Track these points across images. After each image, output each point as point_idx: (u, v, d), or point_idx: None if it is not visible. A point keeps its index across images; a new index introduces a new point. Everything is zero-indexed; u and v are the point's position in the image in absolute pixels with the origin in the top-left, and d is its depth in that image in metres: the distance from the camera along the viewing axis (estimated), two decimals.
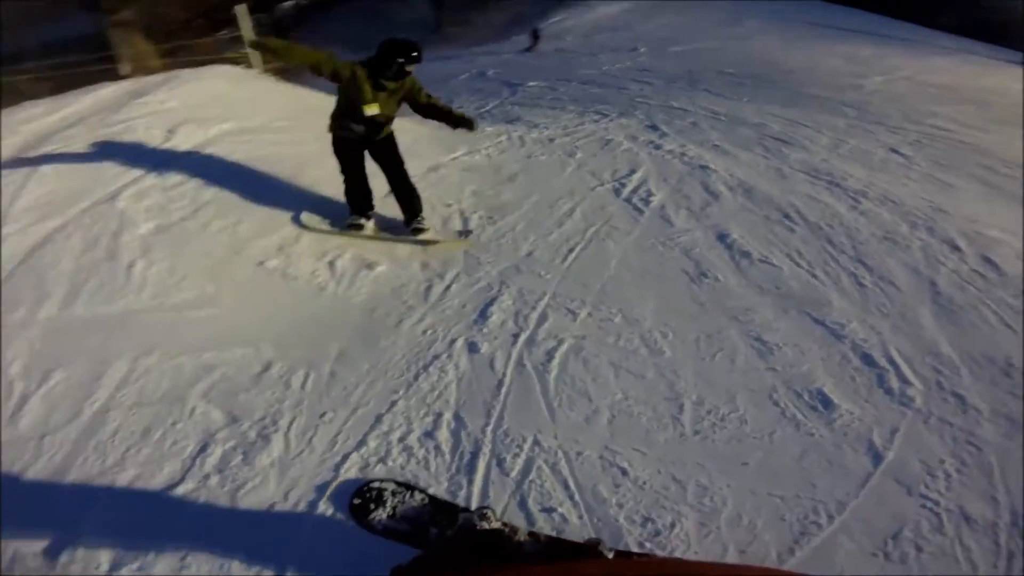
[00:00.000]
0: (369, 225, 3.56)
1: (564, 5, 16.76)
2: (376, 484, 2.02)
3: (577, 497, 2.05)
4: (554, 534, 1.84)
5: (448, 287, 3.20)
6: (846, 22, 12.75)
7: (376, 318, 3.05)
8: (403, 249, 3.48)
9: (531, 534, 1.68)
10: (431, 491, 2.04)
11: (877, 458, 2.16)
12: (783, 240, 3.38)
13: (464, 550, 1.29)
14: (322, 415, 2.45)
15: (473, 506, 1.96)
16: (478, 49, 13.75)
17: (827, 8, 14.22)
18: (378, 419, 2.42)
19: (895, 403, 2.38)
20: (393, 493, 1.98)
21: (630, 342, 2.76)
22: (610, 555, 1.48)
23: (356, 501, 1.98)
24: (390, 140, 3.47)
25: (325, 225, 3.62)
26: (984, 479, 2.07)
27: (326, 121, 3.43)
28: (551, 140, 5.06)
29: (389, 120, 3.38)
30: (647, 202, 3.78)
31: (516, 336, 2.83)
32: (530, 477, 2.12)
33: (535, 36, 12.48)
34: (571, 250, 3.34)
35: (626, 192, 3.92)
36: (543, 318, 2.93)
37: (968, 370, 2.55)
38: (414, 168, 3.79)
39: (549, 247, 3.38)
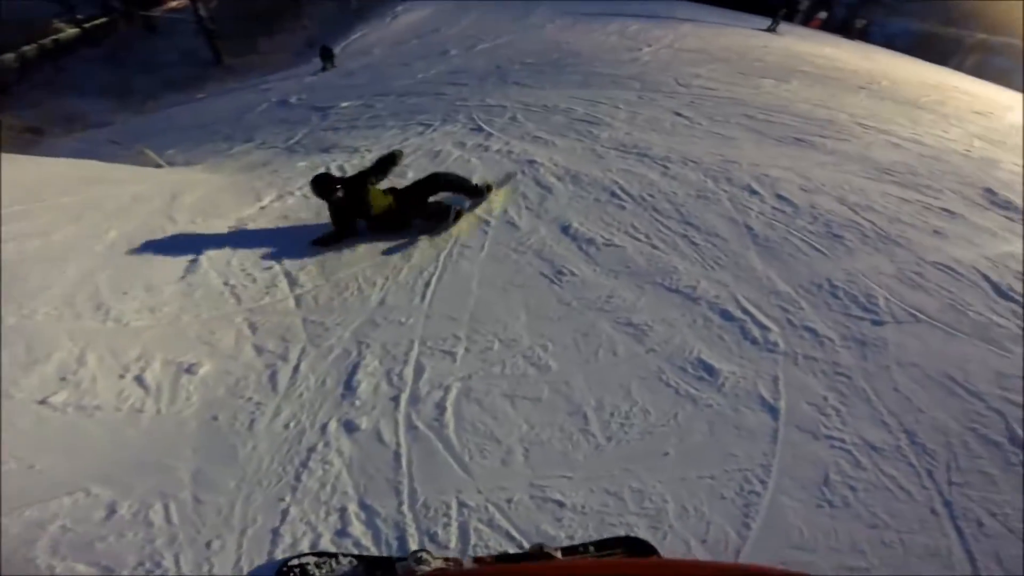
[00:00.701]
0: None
1: (364, 19, 15.85)
2: (295, 561, 1.73)
3: (525, 543, 1.82)
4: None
5: (296, 367, 2.65)
6: (612, 6, 14.11)
7: (222, 426, 2.42)
8: (226, 338, 2.84)
9: (476, 559, 1.59)
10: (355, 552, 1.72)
11: (773, 411, 2.24)
12: (617, 219, 3.48)
13: None
14: (208, 544, 1.87)
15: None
16: (273, 77, 12.40)
17: None
18: (276, 533, 1.91)
19: (764, 352, 2.51)
20: (317, 565, 1.70)
21: (516, 367, 2.56)
22: (558, 554, 1.47)
23: None
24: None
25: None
26: (866, 405, 2.23)
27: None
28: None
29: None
30: (488, 209, 3.62)
31: (396, 399, 2.43)
32: (471, 542, 1.83)
33: (327, 54, 11.30)
34: (427, 284, 3.02)
35: (467, 203, 3.70)
36: (420, 369, 2.57)
37: (805, 301, 2.83)
38: (216, 227, 3.12)
39: (402, 288, 3.01)
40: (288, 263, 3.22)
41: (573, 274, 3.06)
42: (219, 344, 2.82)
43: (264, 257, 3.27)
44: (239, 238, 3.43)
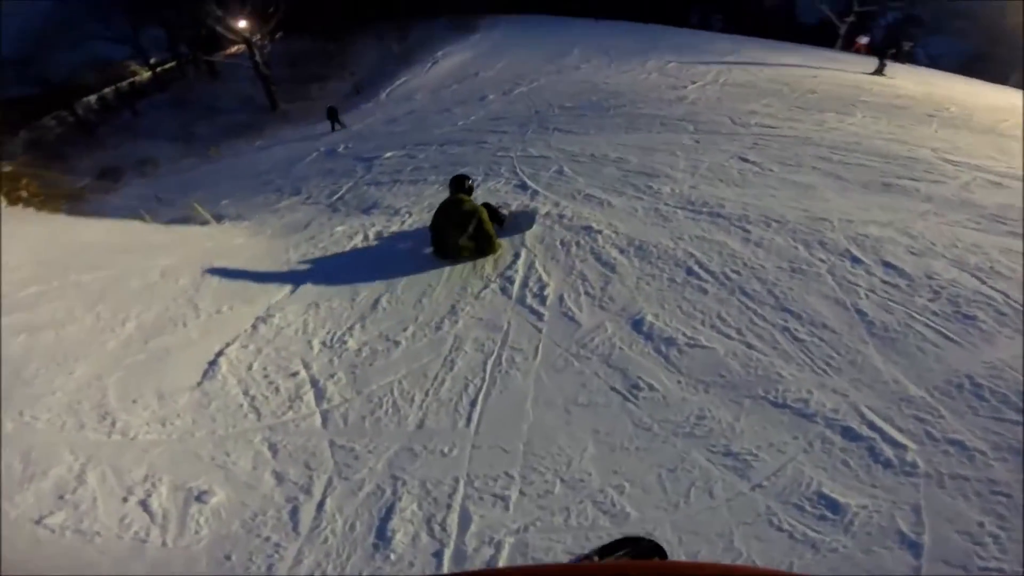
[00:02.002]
0: None
1: (406, 64, 15.82)
2: None
3: None
4: None
5: (321, 504, 2.05)
6: (641, 39, 13.44)
7: (235, 567, 1.84)
8: (243, 460, 2.25)
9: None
10: None
11: (915, 547, 1.61)
12: (700, 307, 2.71)
13: None
14: None
15: None
16: (323, 124, 12.38)
17: (623, 28, 15.02)
18: None
19: (901, 476, 1.87)
20: None
21: (583, 515, 1.84)
22: None
23: None
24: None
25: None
26: None
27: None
28: (415, 231, 4.02)
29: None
30: (542, 297, 2.91)
31: (438, 554, 1.78)
32: None
33: (333, 115, 10.74)
34: (473, 403, 2.32)
35: (516, 288, 3.01)
36: (466, 518, 1.90)
37: (945, 407, 2.07)
38: (243, 317, 2.58)
39: (444, 406, 2.33)
40: (316, 368, 2.61)
41: (652, 388, 2.31)
42: (235, 468, 2.26)
43: (290, 360, 2.68)
44: (265, 334, 2.86)
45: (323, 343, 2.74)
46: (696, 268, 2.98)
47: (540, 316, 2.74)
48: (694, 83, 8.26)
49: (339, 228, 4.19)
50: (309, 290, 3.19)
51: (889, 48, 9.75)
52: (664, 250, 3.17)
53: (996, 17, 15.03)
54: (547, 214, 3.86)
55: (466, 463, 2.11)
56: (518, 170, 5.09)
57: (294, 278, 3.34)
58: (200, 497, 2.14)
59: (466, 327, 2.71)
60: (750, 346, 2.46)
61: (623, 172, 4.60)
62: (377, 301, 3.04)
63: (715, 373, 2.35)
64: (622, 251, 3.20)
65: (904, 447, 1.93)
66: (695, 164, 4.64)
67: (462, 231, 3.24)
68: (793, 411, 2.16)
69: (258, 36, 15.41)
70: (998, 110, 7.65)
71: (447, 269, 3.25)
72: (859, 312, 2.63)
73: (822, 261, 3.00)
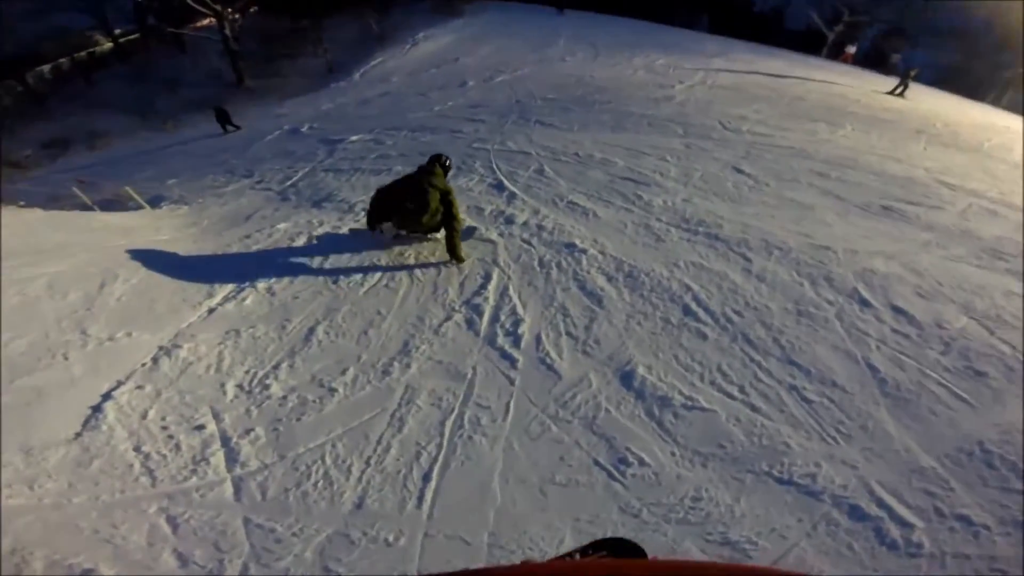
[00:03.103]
0: None
1: (383, 46, 14.77)
2: None
3: None
4: None
5: None
6: (628, 34, 12.92)
7: None
8: (135, 536, 1.71)
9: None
10: None
11: None
12: (699, 357, 2.27)
13: None
14: None
15: None
16: (290, 102, 11.33)
17: (610, 22, 14.44)
18: None
19: (904, 557, 1.68)
20: None
21: None
22: None
23: None
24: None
25: None
26: None
27: None
28: (367, 235, 3.40)
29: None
30: (516, 336, 2.40)
31: None
32: None
33: (222, 116, 9.34)
34: (427, 477, 1.82)
35: (484, 322, 2.49)
36: None
37: (955, 478, 1.87)
38: (141, 347, 2.03)
39: (390, 481, 1.82)
40: (229, 420, 2.04)
41: (643, 462, 1.87)
42: (125, 544, 1.76)
43: (196, 407, 2.11)
44: (168, 371, 2.26)
45: (240, 387, 2.17)
46: (694, 306, 2.54)
47: (513, 362, 2.24)
48: (682, 83, 7.83)
49: (282, 225, 3.57)
50: (229, 312, 2.58)
51: (914, 69, 9.18)
52: (658, 280, 2.72)
53: (976, 32, 15.20)
54: (525, 224, 3.35)
55: (416, 556, 1.64)
56: (494, 166, 4.56)
57: (214, 293, 2.73)
58: None
59: (421, 373, 2.19)
60: (755, 408, 2.06)
61: (610, 176, 4.13)
62: (312, 331, 2.47)
63: (715, 443, 1.93)
64: (610, 278, 2.73)
65: (911, 526, 1.72)
66: (687, 172, 4.21)
67: (423, 208, 2.83)
68: (799, 488, 1.84)
69: (230, 9, 14.16)
70: (982, 128, 7.58)
71: (400, 292, 2.70)
72: (871, 367, 2.31)
73: (830, 303, 2.63)
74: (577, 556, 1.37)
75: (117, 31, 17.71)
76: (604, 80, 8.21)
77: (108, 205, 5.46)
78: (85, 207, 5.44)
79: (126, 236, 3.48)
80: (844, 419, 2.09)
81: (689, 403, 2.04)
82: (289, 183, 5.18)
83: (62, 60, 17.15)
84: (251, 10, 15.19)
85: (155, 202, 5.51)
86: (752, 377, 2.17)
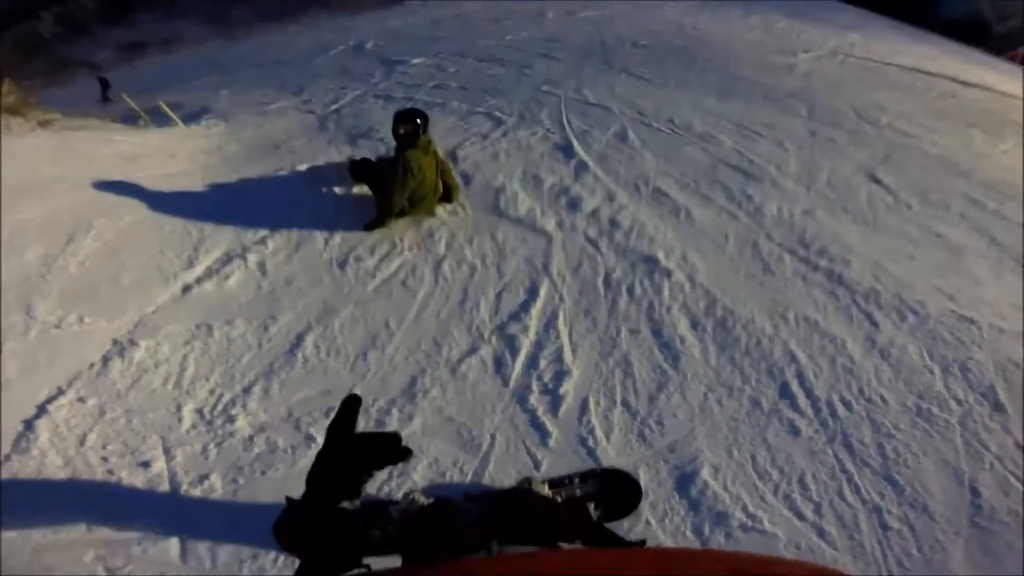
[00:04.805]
0: None
1: None
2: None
3: None
4: None
5: None
6: None
7: None
8: None
9: (465, 495, 1.16)
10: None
11: None
12: (781, 461, 1.52)
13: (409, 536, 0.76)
14: None
15: None
16: (363, 16, 10.23)
17: None
18: None
19: None
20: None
21: None
22: (544, 487, 1.20)
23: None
24: None
25: None
26: None
27: None
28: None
29: None
30: (556, 396, 1.67)
31: None
32: None
33: (104, 84, 8.47)
34: None
35: (519, 365, 1.76)
36: None
37: None
38: (94, 336, 1.53)
39: None
40: (181, 458, 1.49)
41: None
42: None
43: (145, 435, 1.56)
44: (118, 378, 1.70)
45: (200, 412, 1.61)
46: (795, 386, 1.74)
47: (544, 436, 1.56)
48: (807, 52, 6.27)
49: (304, 167, 2.89)
50: (207, 295, 1.97)
51: None
52: (757, 338, 1.88)
53: None
54: (593, 213, 2.52)
55: None
56: (565, 120, 3.64)
57: (196, 261, 2.11)
58: None
59: (425, 431, 1.56)
60: (822, 533, 1.39)
61: (712, 159, 3.16)
62: (300, 340, 1.86)
63: None
64: (695, 324, 1.91)
65: None
66: (811, 171, 3.17)
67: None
68: None
69: None
70: None
71: (419, 296, 2.01)
72: (972, 491, 1.54)
73: (958, 403, 1.77)
74: (576, 480, 1.35)
75: None
76: (711, 34, 6.74)
77: (133, 119, 4.94)
78: (128, 118, 4.98)
79: (131, 165, 2.87)
80: (912, 551, 1.38)
81: (749, 523, 1.41)
82: (334, 107, 4.49)
83: None
84: None
85: (198, 116, 4.96)
86: (835, 493, 1.47)
